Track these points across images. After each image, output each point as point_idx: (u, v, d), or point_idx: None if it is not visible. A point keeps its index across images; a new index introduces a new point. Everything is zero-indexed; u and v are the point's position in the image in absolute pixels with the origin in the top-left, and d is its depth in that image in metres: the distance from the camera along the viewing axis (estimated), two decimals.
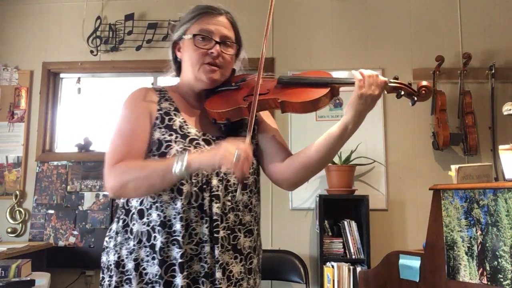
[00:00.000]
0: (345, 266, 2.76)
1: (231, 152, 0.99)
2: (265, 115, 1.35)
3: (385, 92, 1.14)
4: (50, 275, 2.66)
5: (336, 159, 2.97)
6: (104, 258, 1.21)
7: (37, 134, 3.40)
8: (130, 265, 1.14)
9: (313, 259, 3.10)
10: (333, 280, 2.75)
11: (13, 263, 2.44)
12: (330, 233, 2.93)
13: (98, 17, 3.44)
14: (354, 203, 2.98)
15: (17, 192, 3.33)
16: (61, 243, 3.22)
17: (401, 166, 3.16)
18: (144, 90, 1.25)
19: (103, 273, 1.21)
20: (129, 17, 3.39)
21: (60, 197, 3.30)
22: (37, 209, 3.30)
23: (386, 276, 1.98)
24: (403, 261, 1.89)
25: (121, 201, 1.22)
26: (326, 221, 2.93)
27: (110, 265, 1.17)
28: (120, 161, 1.11)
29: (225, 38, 1.24)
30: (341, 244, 2.86)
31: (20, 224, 3.30)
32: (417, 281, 1.80)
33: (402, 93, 1.15)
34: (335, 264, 2.77)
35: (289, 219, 3.18)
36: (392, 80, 1.14)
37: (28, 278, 2.40)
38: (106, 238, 1.23)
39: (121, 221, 1.19)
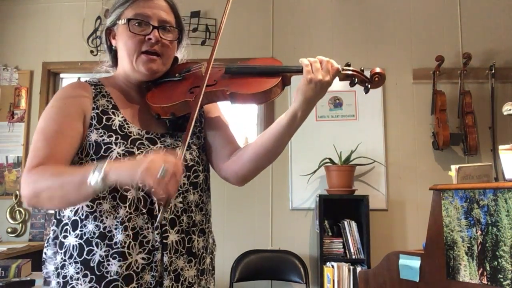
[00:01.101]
0: (345, 266, 2.76)
1: (157, 166, 0.84)
2: (213, 106, 1.25)
3: (338, 80, 1.09)
4: None
5: (336, 159, 2.97)
6: (44, 271, 1.09)
7: None
8: (55, 283, 1.03)
9: (313, 259, 3.10)
10: (333, 280, 2.75)
11: (13, 263, 2.44)
12: (330, 233, 2.93)
13: (98, 17, 3.44)
14: (354, 203, 2.98)
15: (17, 192, 3.33)
16: None
17: (401, 166, 3.16)
18: (76, 86, 1.11)
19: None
20: None
21: None
22: (37, 209, 3.30)
23: (386, 276, 1.97)
24: (403, 261, 1.88)
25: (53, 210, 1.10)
26: (326, 221, 2.93)
27: (48, 277, 1.06)
28: (39, 166, 0.97)
29: (164, 22, 1.11)
30: (341, 244, 2.86)
31: (20, 224, 3.30)
32: (417, 281, 1.80)
33: (356, 80, 1.11)
34: (335, 264, 2.77)
35: (289, 219, 3.18)
36: (345, 68, 1.09)
37: (28, 278, 2.39)
38: (45, 249, 1.10)
39: (52, 233, 1.06)
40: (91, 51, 3.41)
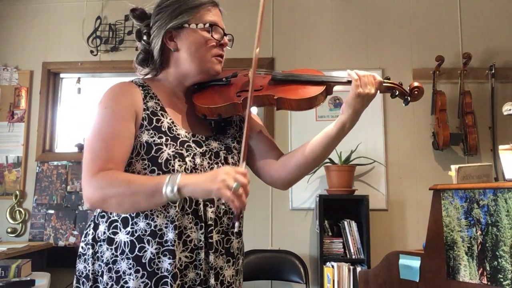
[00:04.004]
0: (345, 266, 2.76)
1: (230, 180, 0.92)
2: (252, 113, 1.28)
3: (379, 92, 1.15)
4: (50, 275, 2.66)
5: (336, 159, 2.97)
6: (81, 266, 1.12)
7: (37, 134, 3.40)
8: (107, 277, 1.05)
9: (313, 259, 3.10)
10: (333, 280, 2.75)
11: (13, 263, 2.44)
12: (330, 233, 2.93)
13: (98, 17, 3.44)
14: (354, 203, 2.98)
15: (17, 192, 3.33)
16: (61, 243, 3.22)
17: (401, 166, 3.16)
18: (126, 86, 1.14)
19: (78, 283, 1.11)
20: (129, 17, 3.39)
21: (60, 197, 3.30)
22: (37, 209, 3.30)
23: (386, 276, 1.97)
24: (403, 261, 1.88)
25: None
26: (326, 221, 2.93)
27: (95, 273, 1.08)
28: (101, 170, 1.00)
29: (223, 30, 1.20)
30: (341, 244, 2.86)
31: (20, 224, 3.30)
32: (417, 281, 1.80)
33: (397, 93, 1.17)
34: (335, 264, 2.77)
35: (289, 219, 3.18)
36: (385, 81, 1.16)
37: (28, 278, 2.40)
38: (82, 244, 1.13)
39: (102, 228, 1.09)
40: (91, 51, 3.41)
